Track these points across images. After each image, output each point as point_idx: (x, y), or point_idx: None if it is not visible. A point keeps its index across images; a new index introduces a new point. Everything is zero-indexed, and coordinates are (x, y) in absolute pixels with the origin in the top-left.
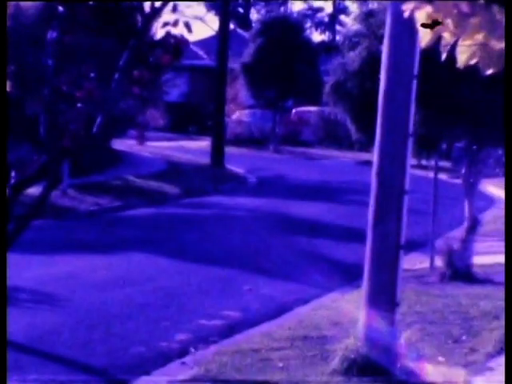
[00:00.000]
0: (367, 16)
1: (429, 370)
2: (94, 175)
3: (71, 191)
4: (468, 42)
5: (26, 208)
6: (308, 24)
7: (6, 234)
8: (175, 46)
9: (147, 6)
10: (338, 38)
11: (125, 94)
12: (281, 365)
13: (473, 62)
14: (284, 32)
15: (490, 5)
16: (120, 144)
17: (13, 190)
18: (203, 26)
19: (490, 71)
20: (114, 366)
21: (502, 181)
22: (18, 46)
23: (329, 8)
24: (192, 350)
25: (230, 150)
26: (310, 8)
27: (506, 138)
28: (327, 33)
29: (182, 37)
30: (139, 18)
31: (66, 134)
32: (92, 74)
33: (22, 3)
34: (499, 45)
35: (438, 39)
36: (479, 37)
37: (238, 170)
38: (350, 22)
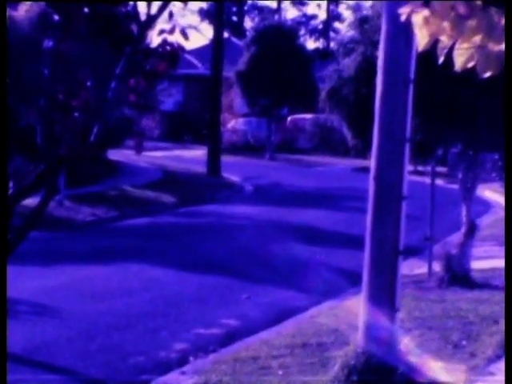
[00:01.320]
0: (362, 22)
1: (430, 377)
2: (90, 186)
3: (67, 202)
4: (465, 45)
5: (23, 219)
6: (302, 31)
7: (7, 244)
8: (171, 53)
9: (143, 14)
10: (332, 44)
11: (121, 103)
12: (281, 372)
13: (470, 64)
14: (278, 40)
15: (488, 7)
16: (116, 154)
17: (10, 201)
18: (197, 34)
19: (487, 74)
20: (113, 377)
21: (498, 185)
22: (12, 56)
23: (322, 15)
24: (191, 358)
25: (225, 158)
26: (304, 15)
27: (505, 139)
28: (321, 40)
29: (179, 44)
30: (135, 26)
31: (62, 143)
32: (88, 83)
33: (14, 13)
34: (497, 47)
35: (435, 42)
36: (477, 39)
37: (234, 178)
38: (344, 29)
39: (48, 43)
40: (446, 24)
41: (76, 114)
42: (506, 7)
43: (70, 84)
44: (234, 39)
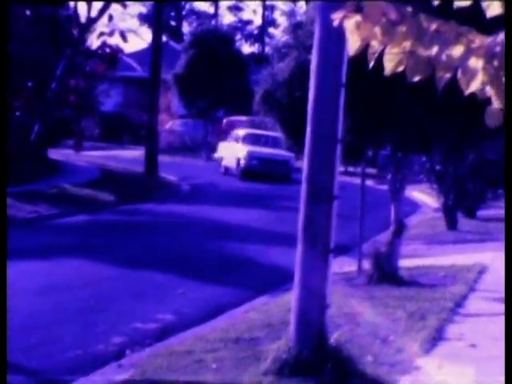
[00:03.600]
0: (295, 28)
1: (358, 370)
2: (31, 184)
3: (9, 199)
4: (395, 50)
5: None
6: (238, 36)
7: (6, 235)
8: (111, 55)
9: (83, 17)
10: (267, 49)
11: (62, 103)
12: (214, 366)
13: (400, 69)
14: (215, 44)
15: (418, 13)
16: (56, 153)
17: None
18: (136, 38)
19: (416, 78)
20: (53, 369)
21: (426, 186)
22: None
23: (258, 21)
24: (128, 352)
25: (163, 158)
26: (240, 21)
27: (506, 139)
28: (257, 44)
29: (117, 46)
30: (75, 29)
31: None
32: (29, 84)
33: None
34: (426, 52)
35: (366, 47)
36: (407, 44)
37: (171, 177)
38: (278, 34)
39: None
40: (377, 29)
41: (17, 114)
42: (505, 7)
43: (11, 84)
44: (172, 43)
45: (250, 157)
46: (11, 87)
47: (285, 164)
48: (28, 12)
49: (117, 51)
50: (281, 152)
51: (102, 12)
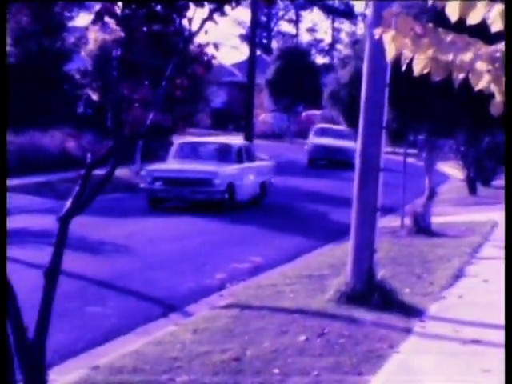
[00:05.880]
0: (354, 43)
1: (399, 299)
2: (159, 160)
3: (142, 172)
4: (422, 56)
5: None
6: (313, 51)
7: (5, 231)
8: (207, 61)
9: (186, 31)
10: (334, 60)
11: (170, 97)
12: (291, 295)
13: (425, 71)
14: (296, 57)
15: (437, 28)
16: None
17: (87, 169)
18: (238, 52)
19: (438, 78)
20: (171, 297)
21: (454, 163)
22: (103, 68)
23: (328, 39)
24: (227, 285)
25: (257, 142)
26: (315, 39)
27: (506, 136)
28: (327, 57)
29: (212, 55)
30: (180, 41)
31: (126, 126)
32: (146, 82)
33: (106, 37)
34: (445, 58)
35: (400, 54)
36: (430, 52)
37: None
38: (342, 48)
39: (117, 53)
40: (407, 40)
41: (136, 105)
42: (505, 7)
43: (132, 83)
44: (264, 56)
45: (315, 147)
46: (131, 85)
47: (345, 152)
48: (145, 28)
49: (211, 58)
50: (343, 142)
51: (200, 27)
